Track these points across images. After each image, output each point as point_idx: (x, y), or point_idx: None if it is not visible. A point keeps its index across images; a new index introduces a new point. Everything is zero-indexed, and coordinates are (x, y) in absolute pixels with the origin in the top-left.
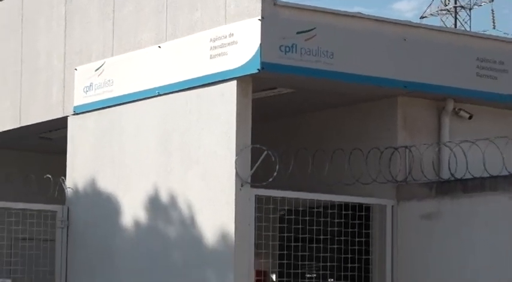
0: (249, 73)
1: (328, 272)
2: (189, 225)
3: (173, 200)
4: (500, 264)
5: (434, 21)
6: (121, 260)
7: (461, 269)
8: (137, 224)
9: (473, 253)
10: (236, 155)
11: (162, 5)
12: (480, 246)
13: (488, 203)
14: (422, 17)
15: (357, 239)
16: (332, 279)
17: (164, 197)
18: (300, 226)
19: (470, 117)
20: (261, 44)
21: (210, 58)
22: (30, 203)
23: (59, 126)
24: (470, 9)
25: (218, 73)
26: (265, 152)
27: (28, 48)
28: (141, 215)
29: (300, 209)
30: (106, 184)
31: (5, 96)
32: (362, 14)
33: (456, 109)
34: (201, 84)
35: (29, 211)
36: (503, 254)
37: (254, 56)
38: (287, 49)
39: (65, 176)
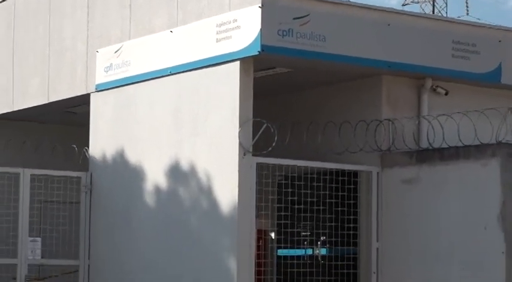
0: (250, 55)
1: (320, 230)
2: (198, 190)
3: (184, 168)
4: (471, 224)
5: (415, 8)
6: (138, 221)
7: (437, 227)
8: (152, 188)
9: (447, 214)
10: (239, 127)
11: None
12: (453, 207)
13: (461, 170)
14: (404, 5)
15: (346, 201)
16: (324, 237)
17: (176, 165)
18: (296, 190)
19: (446, 94)
20: (261, 28)
21: (216, 41)
22: (57, 170)
23: (83, 102)
24: None
25: (223, 55)
26: (265, 125)
27: (55, 33)
28: (156, 181)
29: (296, 175)
30: (125, 153)
31: (35, 75)
32: (351, 1)
33: (434, 86)
34: (208, 64)
35: (56, 177)
36: (473, 215)
37: (255, 39)
38: (284, 33)
39: (88, 146)
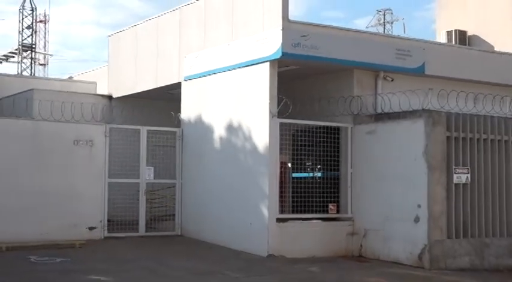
0: (275, 58)
1: (318, 162)
2: (245, 138)
3: (237, 125)
4: (407, 158)
5: (373, 29)
6: (209, 157)
7: (386, 160)
8: (217, 138)
9: (393, 152)
10: (269, 101)
11: (230, 24)
12: (396, 148)
13: (401, 125)
14: (366, 27)
15: (333, 145)
16: (320, 166)
17: (233, 123)
18: (303, 138)
19: (392, 80)
20: (281, 42)
21: (255, 50)
22: (162, 127)
23: (177, 87)
24: (392, 23)
25: (259, 58)
26: (284, 100)
27: (160, 45)
28: (220, 133)
29: (303, 129)
30: (202, 117)
31: (148, 70)
32: (335, 26)
33: (385, 76)
34: (250, 64)
35: (162, 131)
36: (408, 152)
37: (278, 49)
38: (295, 45)
39: (180, 113)
